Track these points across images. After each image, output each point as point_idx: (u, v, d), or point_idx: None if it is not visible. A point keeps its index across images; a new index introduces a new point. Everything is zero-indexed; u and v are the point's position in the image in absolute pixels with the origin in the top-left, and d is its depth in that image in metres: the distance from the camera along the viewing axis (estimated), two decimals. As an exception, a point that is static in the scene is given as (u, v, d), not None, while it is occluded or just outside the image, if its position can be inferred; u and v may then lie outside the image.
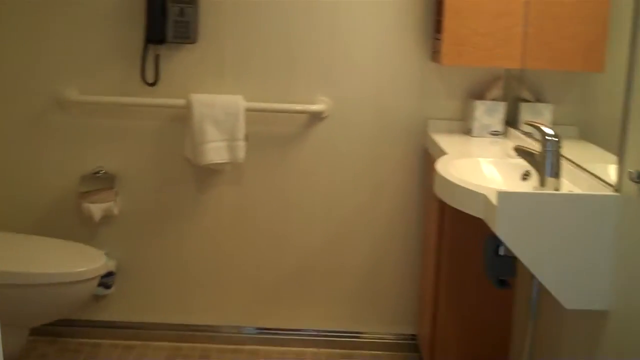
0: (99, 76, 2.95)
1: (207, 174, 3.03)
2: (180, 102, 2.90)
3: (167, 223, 3.09)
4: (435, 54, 2.84)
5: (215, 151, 2.89)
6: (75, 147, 3.01)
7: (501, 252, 1.88)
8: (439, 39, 2.74)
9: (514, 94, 2.83)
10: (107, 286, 3.03)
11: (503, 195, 1.60)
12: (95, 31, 2.91)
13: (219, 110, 2.87)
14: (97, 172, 3.01)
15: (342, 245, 3.11)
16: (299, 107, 2.96)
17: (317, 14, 2.91)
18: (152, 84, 2.91)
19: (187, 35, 2.87)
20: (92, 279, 2.60)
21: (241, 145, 2.90)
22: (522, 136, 2.57)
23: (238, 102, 2.89)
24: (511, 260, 1.91)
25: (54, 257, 2.63)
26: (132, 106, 2.96)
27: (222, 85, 2.95)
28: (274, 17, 2.91)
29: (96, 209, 2.96)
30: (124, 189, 3.04)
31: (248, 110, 2.90)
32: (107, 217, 3.01)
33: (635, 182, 1.51)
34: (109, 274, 3.03)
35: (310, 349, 3.11)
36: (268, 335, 3.15)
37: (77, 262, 2.61)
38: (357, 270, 3.13)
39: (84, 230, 3.07)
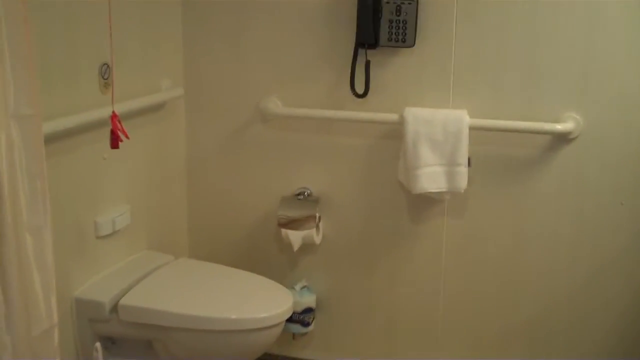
0: (303, 86, 2.56)
1: (423, 202, 2.52)
2: (393, 117, 2.43)
3: (375, 256, 2.65)
4: None
5: (431, 178, 2.38)
6: (277, 165, 2.68)
7: None
8: None
9: None
10: (305, 324, 2.67)
11: None
12: (301, 37, 2.53)
13: (438, 128, 2.35)
14: (300, 194, 2.65)
15: (591, 299, 2.46)
16: (539, 125, 2.34)
17: (570, 8, 2.26)
18: (362, 95, 2.46)
19: (403, 37, 2.38)
20: (275, 325, 2.22)
21: (463, 171, 2.36)
22: None
23: (461, 118, 2.34)
24: None
25: (236, 298, 2.29)
26: (339, 121, 2.54)
27: (443, 97, 2.42)
28: (512, 13, 2.31)
29: (295, 237, 2.59)
30: (327, 214, 2.64)
31: (473, 128, 2.35)
32: (307, 245, 2.64)
33: None
34: (307, 310, 2.67)
35: None
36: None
37: (260, 305, 2.24)
38: (611, 329, 2.44)
39: (283, 257, 2.74)
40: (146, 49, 2.45)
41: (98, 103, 2.13)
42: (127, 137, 1.82)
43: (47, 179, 1.73)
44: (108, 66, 2.22)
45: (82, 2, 2.07)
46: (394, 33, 2.37)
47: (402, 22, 2.36)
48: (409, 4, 2.34)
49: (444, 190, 2.39)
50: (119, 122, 1.79)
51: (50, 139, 1.99)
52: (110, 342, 2.29)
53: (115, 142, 1.79)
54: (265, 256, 2.75)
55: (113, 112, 1.80)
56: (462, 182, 2.37)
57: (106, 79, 2.22)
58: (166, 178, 2.67)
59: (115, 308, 2.18)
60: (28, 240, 1.71)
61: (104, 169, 2.28)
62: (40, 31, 1.95)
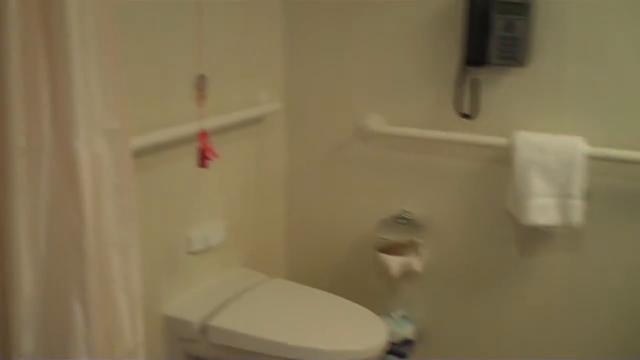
0: (406, 104, 2.45)
1: (534, 235, 2.33)
2: (501, 141, 2.27)
3: (480, 287, 2.49)
4: None
5: (542, 210, 2.20)
6: (377, 186, 2.57)
7: None
8: None
9: None
10: (402, 356, 2.53)
11: None
12: (405, 52, 2.41)
13: (551, 156, 2.17)
14: (400, 217, 2.53)
15: None
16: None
17: None
18: (469, 116, 2.32)
19: (514, 55, 2.21)
20: None
21: (578, 204, 2.16)
22: None
23: (577, 146, 2.15)
24: None
25: (329, 327, 2.17)
26: (443, 142, 2.40)
27: (557, 122, 2.23)
28: (637, 30, 2.10)
29: (394, 263, 2.48)
30: (429, 239, 2.50)
31: (592, 157, 2.15)
32: (407, 272, 2.51)
33: None
34: (406, 342, 2.53)
35: None
36: None
37: (353, 338, 2.12)
38: None
39: (382, 282, 2.62)
40: (245, 60, 2.42)
41: (194, 115, 2.09)
42: (215, 156, 1.76)
43: (135, 195, 1.69)
44: (204, 77, 2.18)
45: (177, 11, 2.04)
46: (504, 51, 2.21)
47: (514, 39, 2.19)
48: (522, 19, 2.17)
49: (555, 223, 2.20)
50: (208, 140, 1.73)
51: (144, 152, 1.98)
52: (200, 363, 2.25)
53: (203, 162, 1.73)
54: (364, 280, 2.64)
55: (202, 130, 1.74)
56: (577, 217, 2.16)
57: (202, 91, 2.18)
58: (263, 194, 2.62)
59: (204, 328, 2.13)
60: (114, 258, 1.67)
61: (199, 184, 2.25)
62: (135, 41, 1.94)
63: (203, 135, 1.72)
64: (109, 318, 1.65)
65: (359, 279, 2.64)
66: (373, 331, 2.16)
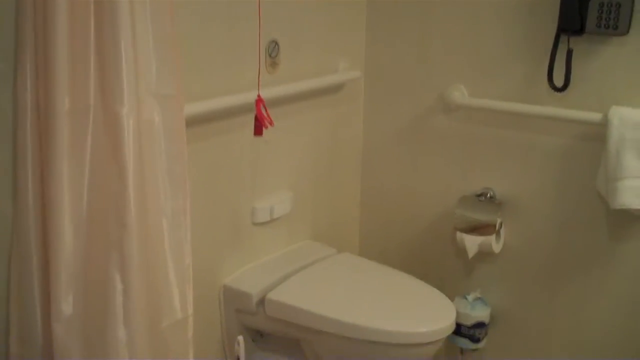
0: (494, 75, 2.27)
1: (626, 218, 2.13)
2: (595, 116, 2.06)
3: (563, 273, 2.30)
4: None
5: (635, 192, 2.00)
6: (458, 161, 2.42)
7: None
8: None
9: None
10: (474, 339, 2.40)
11: None
12: (494, 19, 2.23)
13: (648, 135, 1.96)
14: (481, 195, 2.37)
15: None
16: None
17: None
18: (561, 89, 2.12)
19: (615, 23, 1.99)
20: (431, 343, 1.98)
21: (675, 189, 1.95)
22: None
23: (679, 124, 1.93)
24: None
25: (393, 306, 2.07)
26: (531, 116, 2.22)
27: (660, 97, 2.01)
28: None
29: (471, 243, 2.33)
30: (511, 220, 2.34)
31: (695, 137, 1.92)
32: (485, 253, 2.36)
33: None
34: (479, 325, 2.39)
35: None
36: None
37: (418, 319, 2.02)
38: None
39: (459, 262, 2.49)
40: (325, 27, 2.30)
41: (264, 83, 1.99)
42: (271, 124, 1.67)
43: (187, 163, 1.63)
44: (277, 44, 2.09)
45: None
46: (604, 18, 2.00)
47: (615, 5, 1.97)
48: (626, -17, 1.95)
49: (648, 208, 2.00)
50: (264, 107, 1.64)
51: (211, 119, 1.93)
52: (258, 335, 2.19)
53: (258, 129, 1.65)
54: (439, 259, 2.51)
55: (258, 95, 1.65)
56: (674, 201, 1.96)
57: (274, 58, 2.09)
58: (337, 166, 2.51)
59: (262, 301, 2.07)
60: (164, 226, 1.63)
61: (266, 153, 2.17)
62: (203, 5, 1.86)
63: (259, 101, 1.63)
64: (155, 287, 1.61)
65: (433, 257, 2.52)
66: (440, 313, 2.05)
